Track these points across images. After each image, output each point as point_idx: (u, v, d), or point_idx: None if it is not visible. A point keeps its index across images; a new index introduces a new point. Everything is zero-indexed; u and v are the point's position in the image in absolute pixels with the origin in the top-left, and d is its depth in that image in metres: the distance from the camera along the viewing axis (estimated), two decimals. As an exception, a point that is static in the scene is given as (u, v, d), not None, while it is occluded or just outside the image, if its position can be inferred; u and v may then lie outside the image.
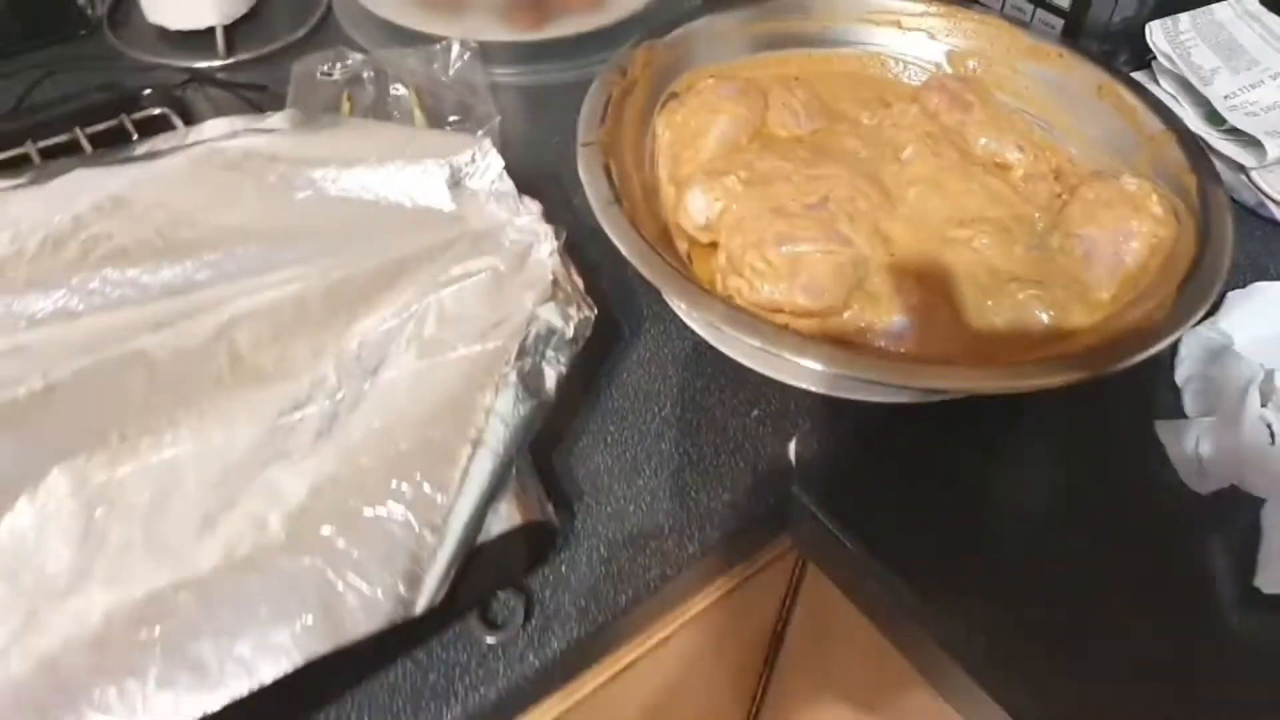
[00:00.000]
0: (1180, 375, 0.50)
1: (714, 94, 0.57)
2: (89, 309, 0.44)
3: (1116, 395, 0.49)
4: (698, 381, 0.52)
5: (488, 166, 0.47)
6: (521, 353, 0.39)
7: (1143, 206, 0.50)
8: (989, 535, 0.45)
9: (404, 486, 0.37)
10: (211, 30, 0.71)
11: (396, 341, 0.41)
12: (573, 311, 0.42)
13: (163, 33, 0.72)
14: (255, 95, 0.67)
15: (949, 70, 0.62)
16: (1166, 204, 0.51)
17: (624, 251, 0.45)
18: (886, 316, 0.47)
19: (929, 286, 0.48)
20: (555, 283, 0.41)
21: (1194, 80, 0.65)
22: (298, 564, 0.34)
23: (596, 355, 0.52)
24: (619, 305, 0.54)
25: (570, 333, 0.41)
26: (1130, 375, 0.42)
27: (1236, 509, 0.46)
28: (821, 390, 0.48)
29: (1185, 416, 0.49)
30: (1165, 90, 0.67)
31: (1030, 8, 0.64)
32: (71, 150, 0.56)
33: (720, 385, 0.51)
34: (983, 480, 0.48)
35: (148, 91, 0.60)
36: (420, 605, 0.34)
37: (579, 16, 0.72)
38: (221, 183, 0.48)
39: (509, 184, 0.46)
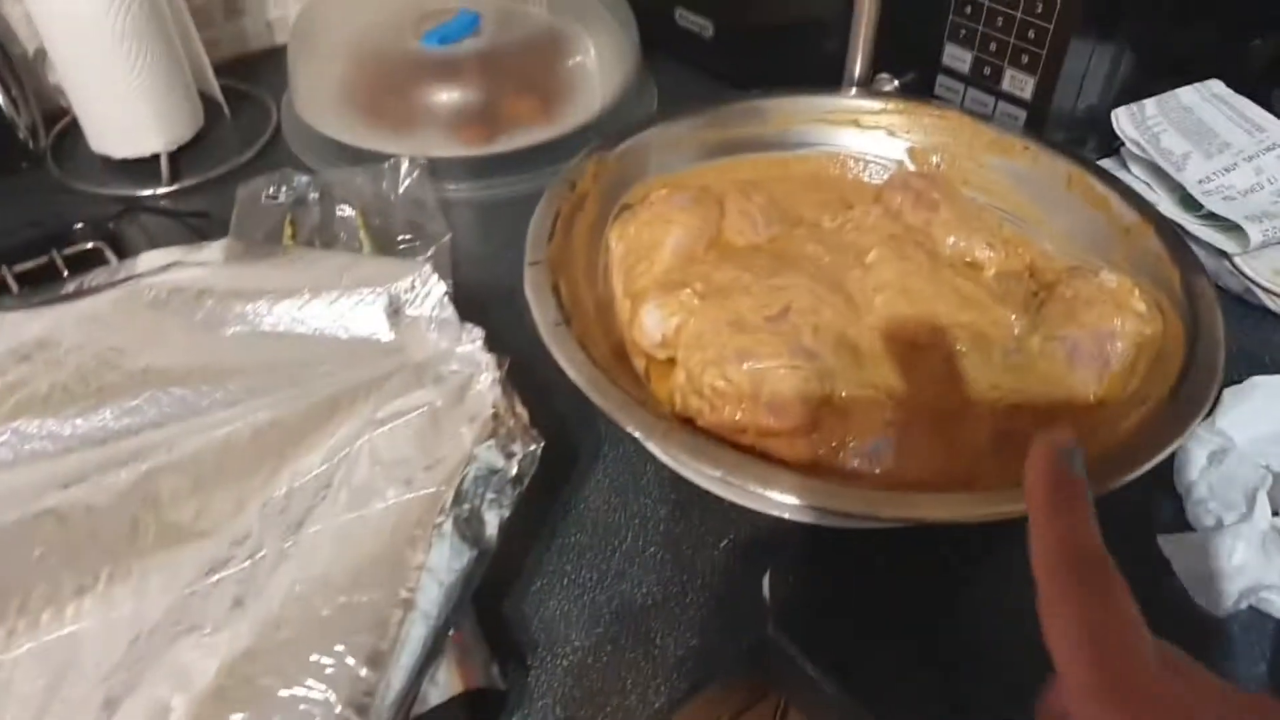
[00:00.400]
0: (1181, 483, 0.46)
1: (667, 204, 0.54)
2: (4, 464, 0.41)
3: (1112, 508, 0.45)
4: (661, 509, 0.48)
5: (429, 293, 0.44)
6: (458, 499, 0.36)
7: (1125, 303, 0.47)
8: (987, 670, 0.41)
9: (325, 661, 0.33)
10: (157, 157, 0.69)
11: (324, 490, 0.37)
12: (515, 447, 0.38)
13: (108, 162, 0.70)
14: (198, 222, 0.64)
15: (912, 167, 0.60)
16: (1149, 299, 0.48)
17: (571, 376, 0.42)
18: (859, 435, 0.43)
19: (904, 401, 0.44)
20: (496, 417, 0.38)
21: (1166, 166, 0.63)
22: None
23: (551, 485, 0.48)
24: (576, 428, 0.51)
25: (513, 470, 0.38)
26: (1126, 485, 0.39)
27: (1261, 632, 0.41)
28: (795, 518, 0.44)
29: (1190, 529, 0.45)
30: (1137, 177, 0.65)
31: (991, 100, 0.63)
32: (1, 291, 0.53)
33: (686, 512, 0.47)
34: (977, 607, 0.43)
35: (79, 226, 0.57)
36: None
37: (529, 129, 0.71)
38: (147, 322, 0.45)
39: (450, 311, 0.43)
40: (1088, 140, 0.67)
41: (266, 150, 0.73)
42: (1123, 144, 0.65)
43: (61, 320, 0.46)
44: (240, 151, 0.72)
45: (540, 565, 0.45)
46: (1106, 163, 0.67)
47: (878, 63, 0.65)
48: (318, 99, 0.73)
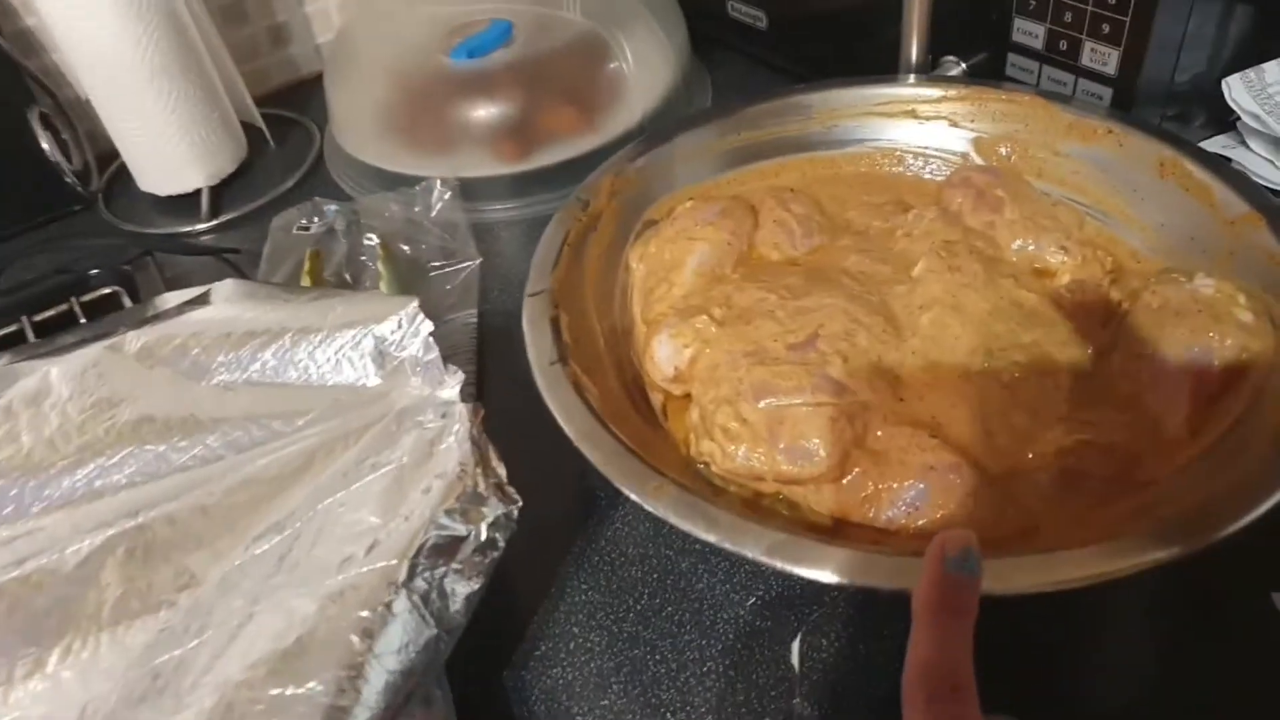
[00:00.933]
0: (1303, 529, 0.38)
1: (691, 219, 0.49)
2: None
3: (1222, 563, 0.38)
4: (683, 562, 0.43)
5: (415, 333, 0.41)
6: (412, 573, 0.32)
7: (1225, 314, 0.39)
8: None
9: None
10: (197, 192, 0.69)
11: (280, 562, 0.34)
12: (485, 510, 0.34)
13: (155, 200, 0.70)
14: (234, 258, 0.64)
15: (978, 161, 0.53)
16: (1258, 307, 0.40)
17: (560, 422, 0.38)
18: (897, 481, 0.37)
19: (949, 438, 0.38)
20: (461, 476, 0.34)
21: (1291, 140, 0.54)
22: None
23: (563, 537, 0.44)
24: (595, 471, 0.47)
25: (483, 536, 0.34)
26: (1236, 536, 0.32)
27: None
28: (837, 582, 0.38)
29: (1316, 586, 0.37)
30: (1259, 154, 0.56)
31: (1070, 78, 0.55)
32: (17, 340, 0.53)
33: (711, 566, 0.42)
34: (1044, 683, 0.37)
35: (95, 272, 0.57)
36: None
37: (569, 141, 0.67)
38: (138, 372, 0.44)
39: (435, 353, 0.40)
40: (1194, 117, 0.58)
41: (307, 179, 0.72)
42: (1238, 118, 0.56)
43: (46, 377, 0.44)
44: (283, 181, 0.71)
45: (546, 628, 0.41)
46: (1219, 141, 0.58)
47: (940, 45, 0.58)
48: (354, 124, 0.71)
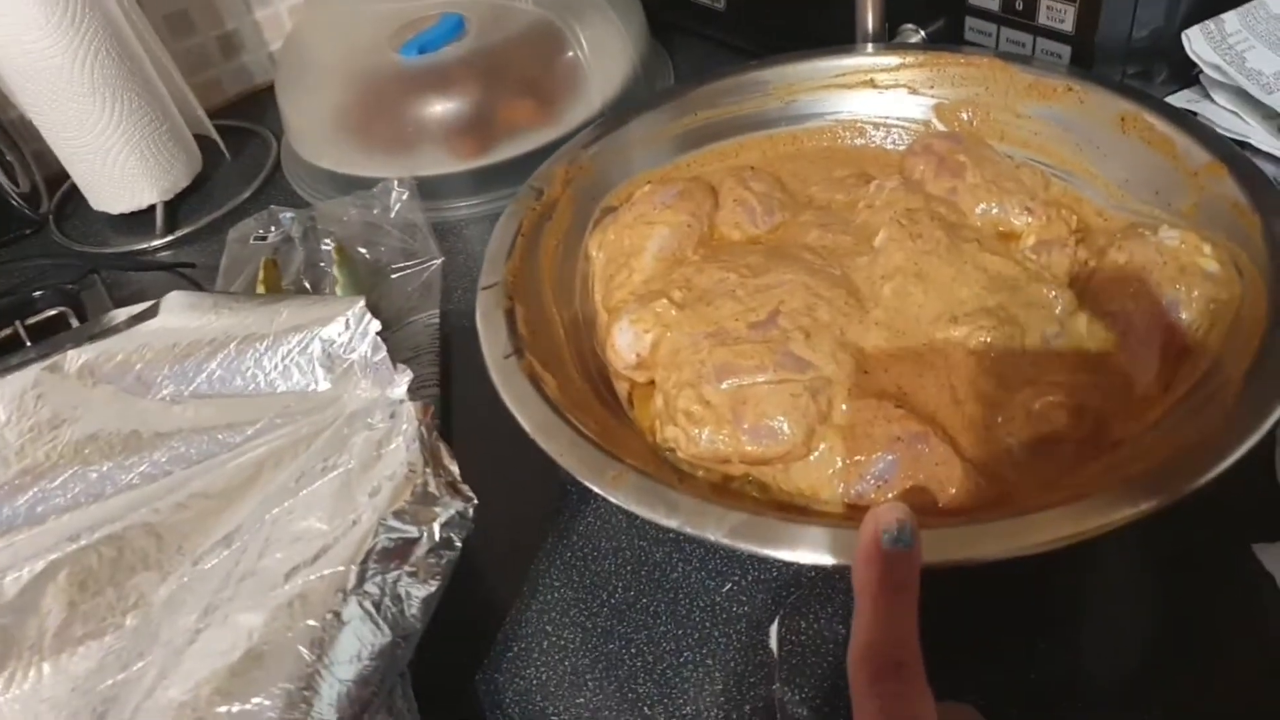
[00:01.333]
0: (1283, 478, 0.37)
1: (649, 203, 0.48)
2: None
3: (1199, 515, 0.37)
4: (657, 552, 0.42)
5: (364, 333, 0.40)
6: (362, 578, 0.31)
7: (1191, 264, 0.38)
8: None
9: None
10: (150, 208, 0.67)
11: (228, 576, 0.33)
12: (438, 510, 0.33)
13: (109, 219, 0.69)
14: (189, 272, 0.62)
15: (939, 127, 0.52)
16: (1223, 255, 0.39)
17: (515, 415, 0.37)
18: (864, 454, 0.36)
19: (916, 408, 0.37)
20: (409, 476, 0.33)
21: (1254, 90, 0.53)
22: None
23: (534, 534, 0.43)
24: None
25: (436, 536, 0.33)
26: (1213, 487, 0.31)
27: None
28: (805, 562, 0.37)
29: (1298, 538, 0.36)
30: (1224, 107, 0.55)
31: (1029, 38, 0.54)
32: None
33: (686, 554, 0.41)
34: (1026, 650, 0.36)
35: (40, 293, 0.56)
36: None
37: (528, 134, 0.66)
38: (74, 393, 0.42)
39: (383, 353, 0.38)
40: (1156, 73, 0.57)
41: (265, 189, 0.71)
42: (1201, 71, 0.55)
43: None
44: (239, 192, 0.70)
45: (518, 628, 0.40)
46: (1183, 95, 0.57)
47: (897, 13, 0.57)
48: (309, 129, 0.69)
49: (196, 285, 0.62)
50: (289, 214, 0.62)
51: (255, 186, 0.70)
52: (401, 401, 0.36)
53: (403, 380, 0.37)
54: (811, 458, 0.37)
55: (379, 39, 0.67)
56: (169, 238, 0.66)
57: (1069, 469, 0.35)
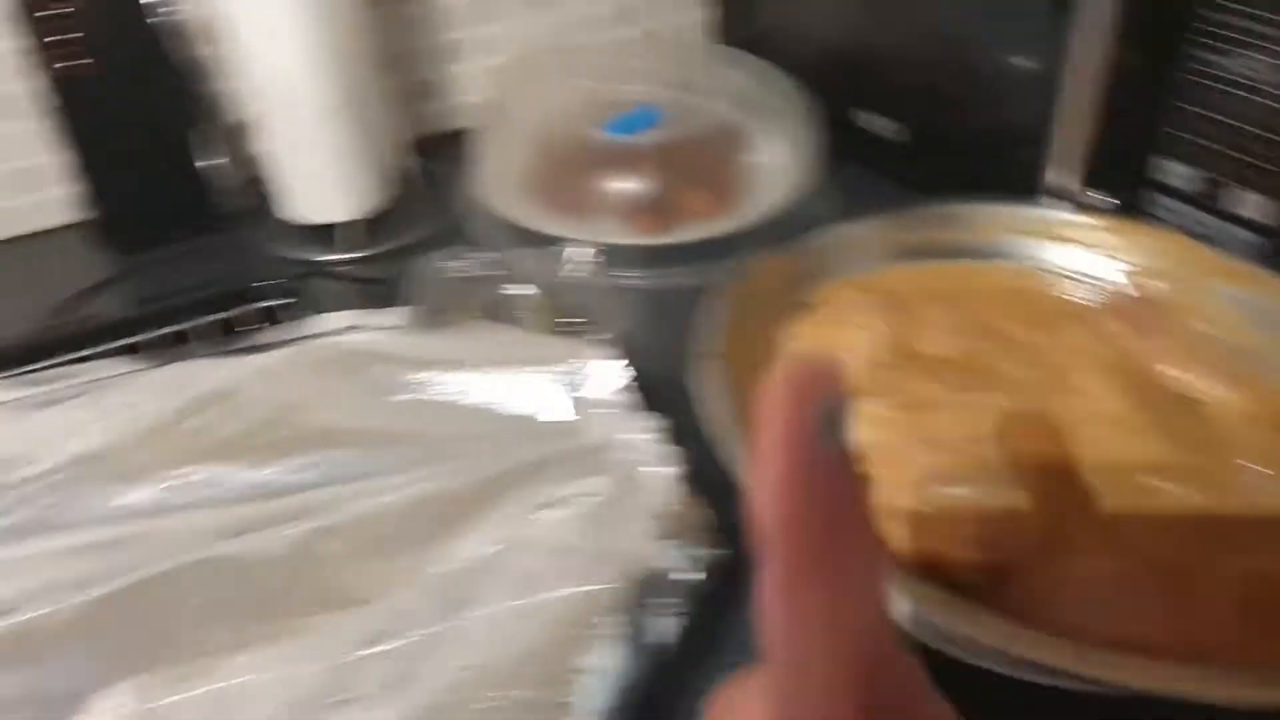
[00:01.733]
0: None
1: (851, 307, 0.51)
2: (176, 506, 0.41)
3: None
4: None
5: (607, 376, 0.42)
6: (628, 601, 0.33)
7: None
8: None
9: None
10: (344, 224, 0.71)
11: (488, 573, 0.35)
12: (697, 551, 0.35)
13: (300, 227, 0.73)
14: (378, 289, 0.66)
15: (1129, 290, 0.55)
16: None
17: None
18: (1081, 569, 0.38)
19: (1126, 543, 0.39)
20: (674, 516, 0.35)
21: None
22: None
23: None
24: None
25: (693, 575, 0.35)
26: None
27: None
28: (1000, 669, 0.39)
29: None
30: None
31: (1219, 222, 0.57)
32: (184, 341, 0.55)
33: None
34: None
35: (265, 284, 0.59)
36: None
37: (704, 222, 0.69)
38: (320, 381, 0.45)
39: (631, 397, 0.41)
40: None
41: (447, 227, 0.75)
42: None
43: (238, 373, 0.46)
44: (424, 226, 0.74)
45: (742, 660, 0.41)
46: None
47: (1084, 176, 0.61)
48: (499, 181, 0.74)
49: (381, 304, 0.65)
50: (481, 256, 0.65)
51: (440, 224, 0.74)
52: (659, 445, 0.38)
53: (658, 426, 0.39)
54: (1018, 576, 0.39)
55: (584, 113, 0.72)
56: (357, 254, 0.70)
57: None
